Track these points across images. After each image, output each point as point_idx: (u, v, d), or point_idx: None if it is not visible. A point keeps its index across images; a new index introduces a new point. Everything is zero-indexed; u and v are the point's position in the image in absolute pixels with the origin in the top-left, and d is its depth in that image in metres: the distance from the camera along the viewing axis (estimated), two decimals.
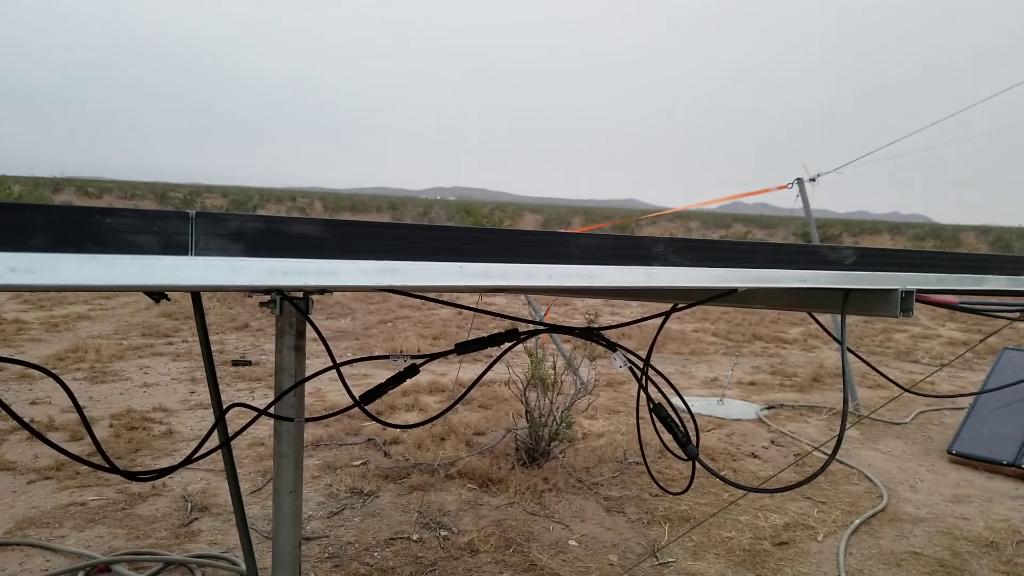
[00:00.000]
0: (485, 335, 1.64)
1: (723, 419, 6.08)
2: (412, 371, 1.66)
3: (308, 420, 1.92)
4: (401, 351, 8.31)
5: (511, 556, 3.60)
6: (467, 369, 7.01)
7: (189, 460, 1.57)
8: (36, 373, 6.57)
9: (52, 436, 4.96)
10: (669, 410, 1.52)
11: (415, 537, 3.77)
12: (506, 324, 1.78)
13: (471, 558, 3.57)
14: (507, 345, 1.56)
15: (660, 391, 1.75)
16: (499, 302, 11.68)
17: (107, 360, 7.06)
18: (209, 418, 5.49)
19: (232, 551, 3.48)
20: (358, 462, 4.71)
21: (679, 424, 1.51)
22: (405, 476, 4.51)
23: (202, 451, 1.63)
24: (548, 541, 3.77)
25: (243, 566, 3.32)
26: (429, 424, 5.40)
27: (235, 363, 7.17)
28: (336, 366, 1.45)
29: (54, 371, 6.33)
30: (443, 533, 3.82)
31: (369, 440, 5.10)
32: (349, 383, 1.68)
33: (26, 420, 4.91)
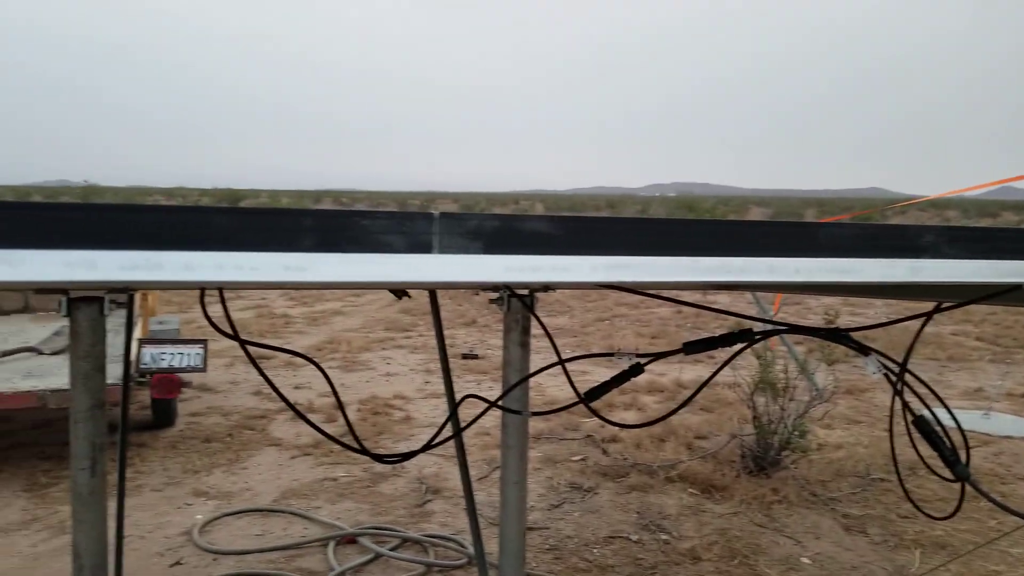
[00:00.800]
0: (714, 335, 1.57)
1: (989, 435, 5.34)
2: (636, 370, 1.62)
3: (534, 414, 1.96)
4: (619, 349, 8.30)
5: (736, 568, 3.43)
6: (688, 370, 6.82)
7: (429, 446, 1.67)
8: (300, 361, 7.44)
9: (311, 417, 5.57)
10: (934, 423, 1.34)
11: (634, 537, 3.72)
12: (731, 323, 1.69)
13: (692, 565, 3.46)
14: (739, 346, 1.47)
15: (923, 402, 1.55)
16: (721, 300, 11.24)
17: (356, 351, 7.80)
18: (442, 407, 5.86)
19: (461, 534, 3.68)
20: (577, 457, 4.76)
21: (946, 439, 1.32)
22: (624, 475, 4.48)
23: (439, 438, 1.73)
24: (778, 556, 3.55)
25: (471, 550, 3.49)
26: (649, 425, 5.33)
27: (464, 356, 7.58)
28: (562, 362, 1.47)
29: (315, 360, 7.12)
30: (663, 536, 3.74)
31: (588, 437, 5.13)
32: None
33: (292, 403, 5.56)
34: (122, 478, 2.45)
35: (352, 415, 5.62)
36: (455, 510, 4.00)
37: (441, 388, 6.28)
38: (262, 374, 1.61)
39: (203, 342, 4.52)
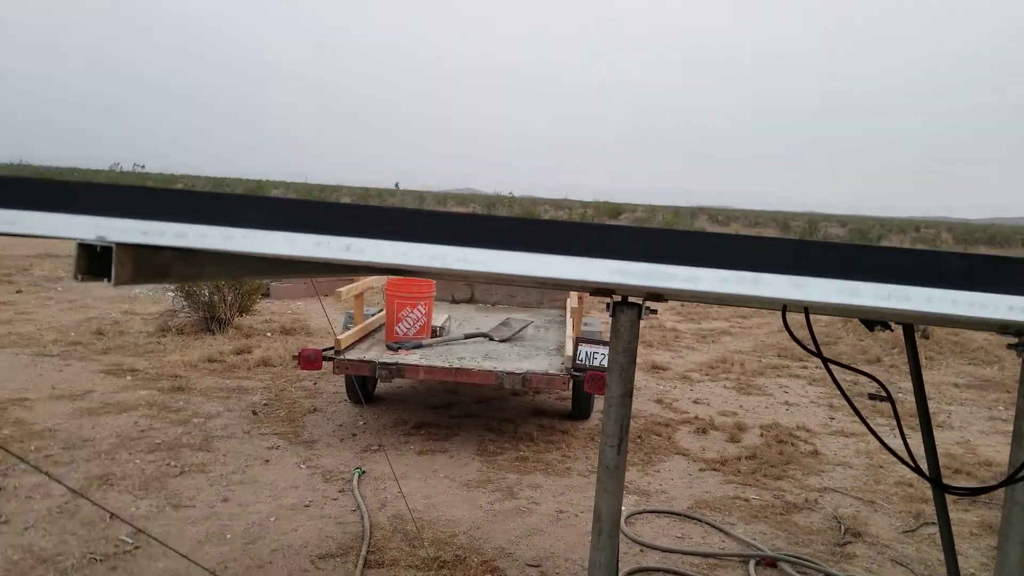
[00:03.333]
0: None
1: None
2: None
3: None
4: None
5: None
6: None
7: (1011, 481, 1.59)
8: (697, 375, 7.61)
9: (713, 434, 5.66)
10: None
11: None
12: None
13: None
14: None
15: None
16: None
17: (750, 374, 7.71)
18: (852, 446, 5.50)
19: None
20: None
21: None
22: None
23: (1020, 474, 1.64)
24: None
25: None
26: None
27: (871, 397, 6.99)
28: None
29: (709, 377, 7.14)
30: None
31: None
32: None
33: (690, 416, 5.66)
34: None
35: (754, 440, 5.57)
36: (879, 558, 3.74)
37: (848, 427, 5.90)
38: (840, 390, 1.70)
39: None
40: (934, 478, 2.46)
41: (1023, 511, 1.88)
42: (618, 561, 2.04)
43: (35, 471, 4.16)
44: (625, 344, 1.90)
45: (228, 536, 3.61)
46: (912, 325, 2.52)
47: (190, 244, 0.92)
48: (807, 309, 1.41)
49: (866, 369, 8.43)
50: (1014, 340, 1.82)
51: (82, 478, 4.19)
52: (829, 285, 0.78)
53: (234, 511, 3.89)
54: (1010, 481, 1.57)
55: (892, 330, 2.58)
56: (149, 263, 0.98)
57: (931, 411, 6.53)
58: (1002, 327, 1.80)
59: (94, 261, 0.93)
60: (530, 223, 0.79)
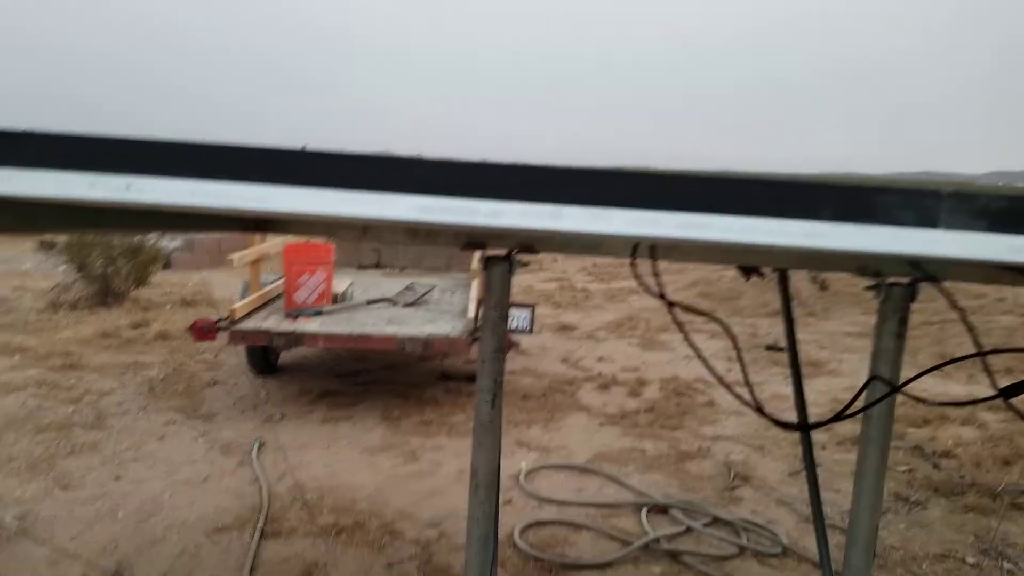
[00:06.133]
0: None
1: None
2: None
3: (933, 403, 1.89)
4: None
5: None
6: None
7: (839, 417, 1.68)
8: (603, 334, 7.78)
9: (615, 390, 5.81)
10: None
11: (970, 560, 3.38)
12: None
13: None
14: None
15: None
16: None
17: (655, 331, 7.95)
18: (744, 395, 5.76)
19: (771, 523, 3.62)
20: (903, 467, 4.40)
21: None
22: (959, 493, 4.05)
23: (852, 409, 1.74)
24: None
25: (784, 540, 3.44)
26: (991, 443, 4.74)
27: (768, 348, 7.35)
28: (982, 354, 1.40)
29: (615, 335, 7.28)
30: (1006, 565, 3.34)
31: (915, 448, 4.71)
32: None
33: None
34: None
35: (654, 393, 5.77)
36: (766, 500, 3.96)
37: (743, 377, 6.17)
38: (687, 337, 1.76)
39: (532, 307, 4.94)
40: (802, 422, 2.60)
41: (877, 446, 2.03)
42: (498, 515, 2.09)
43: None
44: (497, 298, 1.92)
45: (120, 515, 3.51)
46: (785, 271, 2.65)
47: None
48: (653, 248, 1.45)
49: (766, 322, 8.83)
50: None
51: None
52: (628, 215, 0.80)
53: (127, 489, 3.77)
54: (855, 412, 1.68)
55: (764, 276, 2.69)
56: None
57: (824, 359, 6.86)
58: (860, 269, 1.91)
59: None
60: (324, 156, 0.77)
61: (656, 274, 1.52)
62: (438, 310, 5.65)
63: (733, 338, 1.82)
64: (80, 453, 4.19)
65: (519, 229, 0.81)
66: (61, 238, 8.35)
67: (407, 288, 6.20)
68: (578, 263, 13.43)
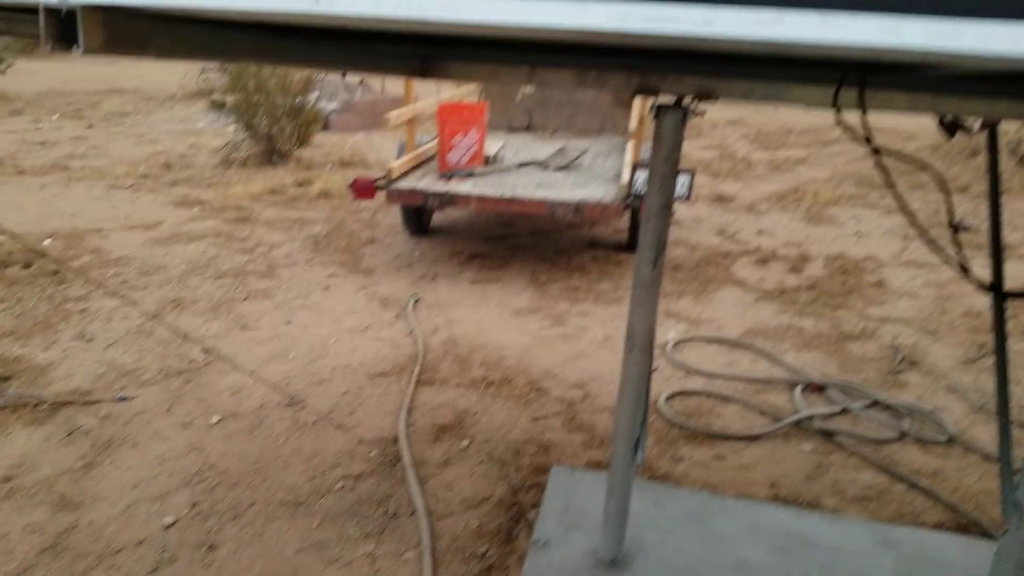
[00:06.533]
0: None
1: None
2: None
3: None
4: None
5: None
6: None
7: None
8: (764, 207, 7.36)
9: (773, 265, 5.53)
10: None
11: None
12: None
13: None
14: None
15: None
16: None
17: (822, 204, 7.40)
18: (921, 276, 5.30)
19: (938, 410, 3.37)
20: None
21: None
22: None
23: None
24: None
25: (951, 429, 3.20)
26: None
27: (952, 227, 6.65)
28: None
29: (777, 207, 6.88)
30: None
31: None
32: None
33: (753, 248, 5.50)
34: None
35: (817, 271, 5.42)
36: (934, 387, 3.67)
37: (920, 257, 5.66)
38: (892, 190, 1.56)
39: (691, 172, 4.66)
40: (994, 284, 2.30)
41: None
42: (650, 377, 2.03)
43: (113, 295, 4.40)
44: (667, 152, 1.77)
45: (291, 355, 3.80)
46: (995, 125, 2.28)
47: (164, 4, 0.83)
48: (862, 91, 1.25)
49: (955, 199, 7.97)
50: None
51: (156, 302, 4.42)
52: (867, 23, 0.63)
53: (296, 333, 4.06)
54: None
55: (970, 133, 2.33)
56: (123, 31, 0.91)
57: (1017, 241, 6.16)
58: None
59: (67, 28, 0.86)
60: None
61: (865, 125, 1.31)
62: (590, 174, 5.50)
63: (947, 194, 1.58)
64: (254, 299, 4.54)
65: (733, 39, 0.67)
66: (229, 99, 8.79)
67: (558, 151, 6.05)
68: (740, 129, 12.60)
